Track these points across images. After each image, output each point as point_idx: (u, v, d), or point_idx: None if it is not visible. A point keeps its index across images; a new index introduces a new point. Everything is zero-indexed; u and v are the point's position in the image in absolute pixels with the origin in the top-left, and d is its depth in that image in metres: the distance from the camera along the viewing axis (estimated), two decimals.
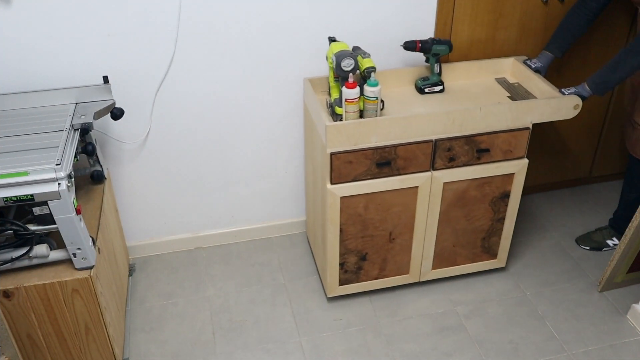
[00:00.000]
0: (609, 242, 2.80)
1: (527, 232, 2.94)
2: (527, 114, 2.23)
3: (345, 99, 2.08)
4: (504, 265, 2.63)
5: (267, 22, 2.33)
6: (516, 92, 2.44)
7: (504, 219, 2.48)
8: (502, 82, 2.53)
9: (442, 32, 2.51)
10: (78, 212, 1.84)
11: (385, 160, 2.17)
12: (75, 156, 1.90)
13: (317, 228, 2.53)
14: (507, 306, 2.53)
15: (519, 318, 2.47)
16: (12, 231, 1.83)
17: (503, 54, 2.62)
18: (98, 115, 2.08)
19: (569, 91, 2.29)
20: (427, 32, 2.51)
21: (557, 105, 2.24)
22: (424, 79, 2.43)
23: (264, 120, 2.56)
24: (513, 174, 2.35)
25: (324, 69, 2.46)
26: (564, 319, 2.46)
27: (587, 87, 2.28)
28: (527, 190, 3.17)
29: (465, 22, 2.52)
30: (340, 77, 2.09)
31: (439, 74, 2.40)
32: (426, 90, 2.42)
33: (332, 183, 2.18)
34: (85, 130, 2.04)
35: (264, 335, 2.41)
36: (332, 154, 2.11)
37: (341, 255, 2.37)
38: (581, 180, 3.23)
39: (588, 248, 2.82)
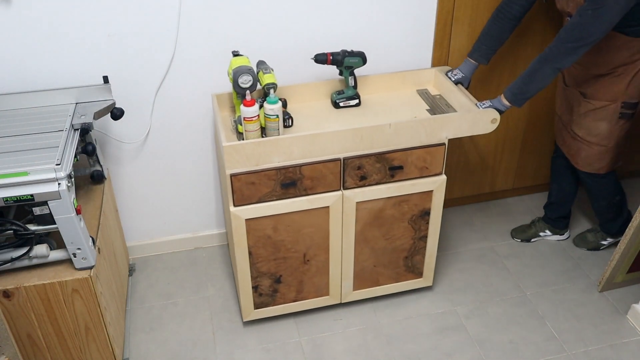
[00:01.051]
0: (603, 242, 2.81)
1: None
2: (442, 130, 2.12)
3: (244, 117, 1.98)
4: (430, 284, 2.53)
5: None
6: (436, 105, 2.34)
7: (426, 237, 2.37)
8: (424, 94, 2.43)
9: (442, 32, 2.51)
10: (78, 212, 1.84)
11: (290, 181, 2.07)
12: (75, 156, 1.90)
13: (231, 248, 2.44)
14: (507, 306, 2.53)
15: (519, 318, 2.47)
16: (12, 231, 1.83)
17: (503, 53, 2.61)
18: (98, 115, 2.08)
19: (484, 105, 2.18)
20: (427, 33, 2.51)
21: (472, 120, 2.14)
22: (339, 92, 2.33)
23: None
24: (431, 191, 2.25)
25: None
26: (564, 319, 2.46)
27: (504, 99, 2.15)
28: (526, 190, 3.17)
29: (465, 23, 2.52)
30: (239, 94, 2.01)
31: (355, 87, 2.30)
32: (341, 104, 2.32)
33: (235, 205, 2.07)
34: (85, 130, 2.04)
35: (264, 335, 2.41)
36: (231, 175, 2.01)
37: (253, 278, 2.27)
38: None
39: (585, 249, 2.83)
